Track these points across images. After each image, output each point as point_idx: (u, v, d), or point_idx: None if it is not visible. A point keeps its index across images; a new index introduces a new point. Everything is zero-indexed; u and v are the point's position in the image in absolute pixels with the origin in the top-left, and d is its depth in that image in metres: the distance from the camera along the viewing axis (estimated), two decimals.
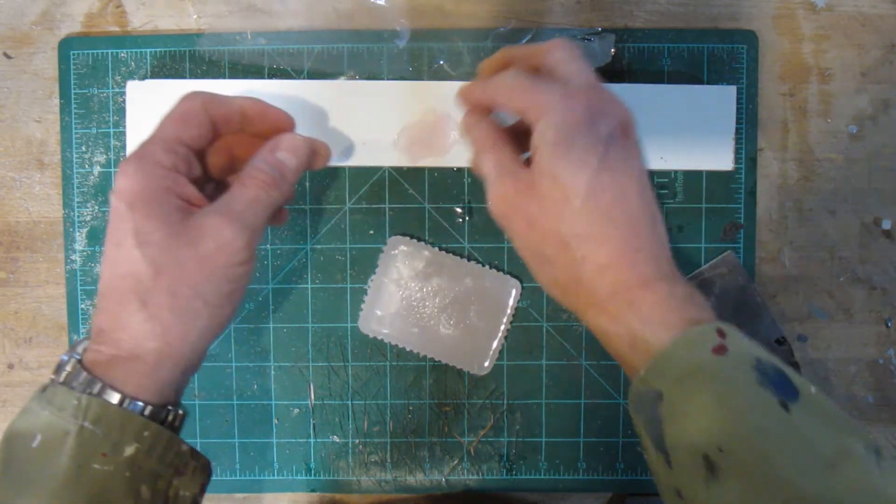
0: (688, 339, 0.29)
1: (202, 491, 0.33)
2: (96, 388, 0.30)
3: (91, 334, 0.32)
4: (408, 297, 0.46)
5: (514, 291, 0.46)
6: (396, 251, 0.46)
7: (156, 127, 0.34)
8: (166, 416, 0.32)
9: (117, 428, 0.29)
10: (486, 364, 0.46)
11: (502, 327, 0.46)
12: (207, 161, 0.36)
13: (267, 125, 0.36)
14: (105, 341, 0.31)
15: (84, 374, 0.30)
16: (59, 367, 0.31)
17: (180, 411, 0.33)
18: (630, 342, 0.30)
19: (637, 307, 0.30)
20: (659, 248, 0.31)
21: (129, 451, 0.29)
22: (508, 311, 0.46)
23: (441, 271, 0.46)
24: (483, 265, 0.46)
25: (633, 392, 0.30)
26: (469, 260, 0.46)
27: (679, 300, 0.30)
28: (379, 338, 0.46)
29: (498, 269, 0.46)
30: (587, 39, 0.45)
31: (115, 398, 0.30)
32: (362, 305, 0.46)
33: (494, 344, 0.46)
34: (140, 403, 0.30)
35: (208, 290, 0.31)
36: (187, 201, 0.32)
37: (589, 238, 0.31)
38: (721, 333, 0.29)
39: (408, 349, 0.46)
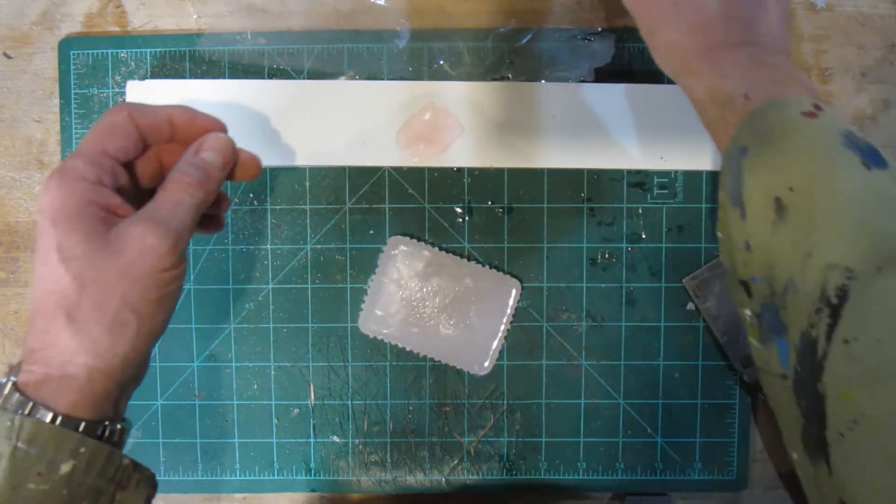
0: (780, 102, 0.29)
1: (147, 502, 0.33)
2: (27, 409, 0.29)
3: (24, 355, 0.31)
4: (408, 297, 0.46)
5: (514, 291, 0.46)
6: (396, 251, 0.46)
7: (82, 140, 0.34)
8: (103, 431, 0.31)
9: (52, 446, 0.29)
10: (486, 364, 0.46)
11: (502, 327, 0.46)
12: (138, 171, 0.35)
13: (197, 132, 0.36)
14: (36, 361, 0.30)
15: (17, 395, 0.30)
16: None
17: (119, 425, 0.32)
18: (721, 105, 0.31)
19: (720, 66, 0.32)
20: (764, 26, 0.33)
21: (66, 468, 0.29)
22: (508, 311, 0.46)
23: (441, 271, 0.46)
24: (483, 265, 0.46)
25: (724, 157, 0.31)
26: (469, 260, 0.46)
27: (769, 68, 0.31)
28: (379, 338, 0.46)
29: (498, 269, 0.46)
30: (587, 40, 0.45)
31: (48, 417, 0.29)
32: (362, 305, 0.46)
33: (494, 344, 0.46)
34: (73, 421, 0.30)
35: (136, 299, 0.31)
36: (113, 213, 0.32)
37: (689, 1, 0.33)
38: (816, 106, 0.29)
39: (408, 349, 0.46)
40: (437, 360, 0.46)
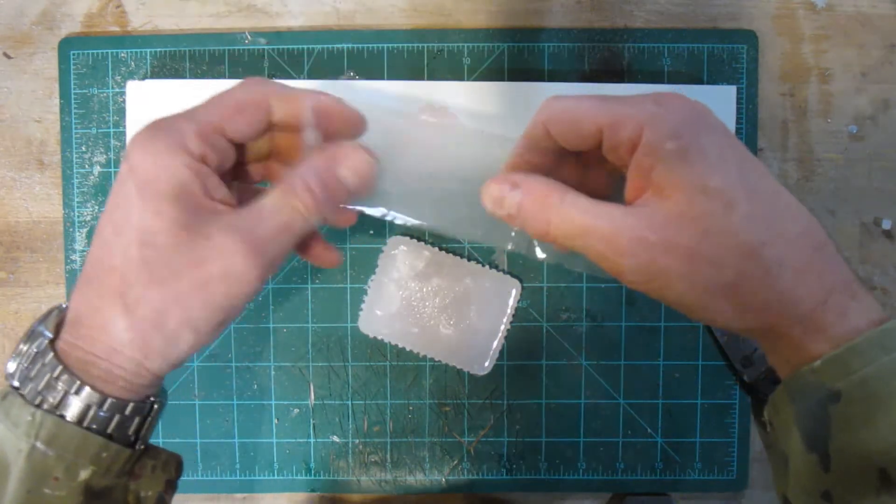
0: (883, 337, 0.25)
1: (169, 486, 0.30)
2: (74, 387, 0.27)
3: (68, 317, 0.28)
4: (408, 297, 0.46)
5: (514, 291, 0.46)
6: (396, 251, 0.46)
7: (200, 103, 0.29)
8: (150, 407, 0.29)
9: (72, 450, 0.26)
10: (487, 364, 0.46)
11: (502, 327, 0.46)
12: (245, 151, 0.31)
13: (335, 127, 0.30)
14: (81, 336, 0.27)
15: (60, 367, 0.27)
16: (31, 336, 0.28)
17: (155, 404, 0.29)
18: (805, 329, 0.26)
19: (845, 312, 0.26)
20: (825, 237, 0.27)
21: (85, 474, 0.27)
22: (508, 310, 0.46)
23: (441, 271, 0.46)
24: (483, 265, 0.46)
25: (797, 380, 0.26)
26: (469, 260, 0.46)
27: (866, 292, 0.27)
28: (379, 338, 0.46)
29: (498, 269, 0.46)
30: (587, 40, 0.45)
31: (74, 409, 0.27)
32: (362, 305, 0.46)
33: (495, 344, 0.46)
34: (120, 402, 0.27)
35: (200, 319, 0.27)
36: (209, 200, 0.27)
37: (772, 242, 0.26)
38: None
39: (408, 349, 0.46)
40: (437, 360, 0.46)
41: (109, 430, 0.27)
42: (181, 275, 0.26)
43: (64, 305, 0.29)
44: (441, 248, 0.46)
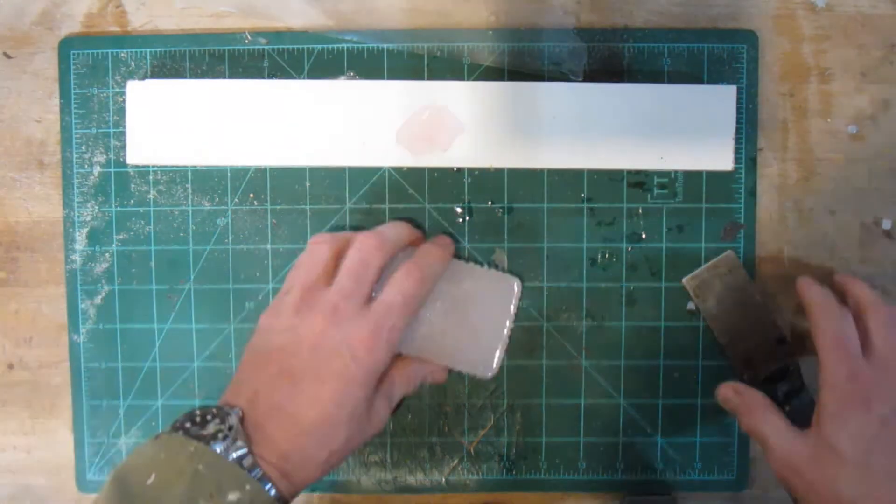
0: None
1: None
2: (258, 475, 0.34)
3: (258, 433, 0.35)
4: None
5: (515, 289, 0.45)
6: (393, 257, 0.45)
7: (412, 300, 0.39)
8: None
9: (224, 474, 0.33)
10: (494, 366, 0.45)
11: (507, 328, 0.45)
12: None
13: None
14: (269, 444, 0.35)
15: (250, 457, 0.34)
16: (223, 416, 0.34)
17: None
18: None
19: None
20: None
21: (233, 497, 0.32)
22: (512, 309, 0.45)
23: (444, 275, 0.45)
24: (482, 265, 0.46)
25: None
26: (468, 261, 0.46)
27: None
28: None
29: (498, 268, 0.46)
30: (586, 40, 0.45)
31: (271, 492, 0.34)
32: None
33: (499, 345, 0.45)
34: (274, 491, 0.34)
35: (346, 451, 0.37)
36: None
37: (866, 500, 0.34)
38: None
39: (412, 355, 0.44)
40: (441, 364, 0.45)
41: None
42: (364, 434, 0.38)
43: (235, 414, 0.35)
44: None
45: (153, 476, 0.32)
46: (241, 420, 0.35)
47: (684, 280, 0.46)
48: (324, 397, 0.36)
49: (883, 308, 0.38)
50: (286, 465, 0.35)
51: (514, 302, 0.45)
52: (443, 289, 0.45)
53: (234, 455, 0.33)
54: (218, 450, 0.33)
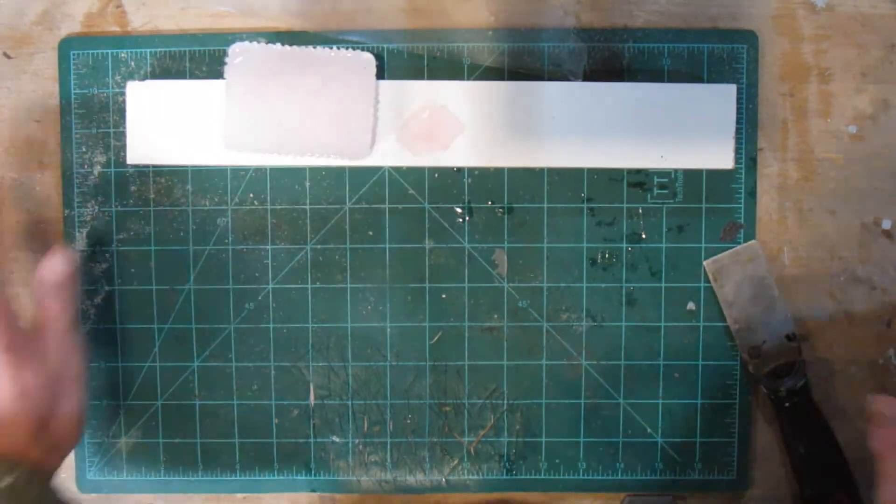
0: None
1: None
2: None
3: None
4: (266, 101, 0.44)
5: (372, 64, 0.44)
6: (240, 59, 0.44)
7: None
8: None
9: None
10: (369, 147, 0.44)
11: (372, 108, 0.44)
12: None
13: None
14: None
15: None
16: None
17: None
18: None
19: None
20: None
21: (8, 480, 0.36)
22: (372, 85, 0.44)
23: (292, 66, 0.44)
24: (331, 48, 0.44)
25: None
26: (322, 47, 0.44)
27: None
28: (249, 151, 0.44)
29: (348, 48, 0.45)
30: (586, 40, 0.45)
31: None
32: (224, 123, 0.45)
33: (369, 125, 0.44)
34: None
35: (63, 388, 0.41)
36: None
37: None
38: None
39: (283, 155, 0.44)
40: (318, 155, 0.45)
41: None
42: (52, 388, 0.41)
43: None
44: (440, 247, 0.46)
45: None
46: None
47: (705, 263, 0.46)
48: None
49: None
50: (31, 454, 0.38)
51: (372, 77, 0.44)
52: (292, 82, 0.43)
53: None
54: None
